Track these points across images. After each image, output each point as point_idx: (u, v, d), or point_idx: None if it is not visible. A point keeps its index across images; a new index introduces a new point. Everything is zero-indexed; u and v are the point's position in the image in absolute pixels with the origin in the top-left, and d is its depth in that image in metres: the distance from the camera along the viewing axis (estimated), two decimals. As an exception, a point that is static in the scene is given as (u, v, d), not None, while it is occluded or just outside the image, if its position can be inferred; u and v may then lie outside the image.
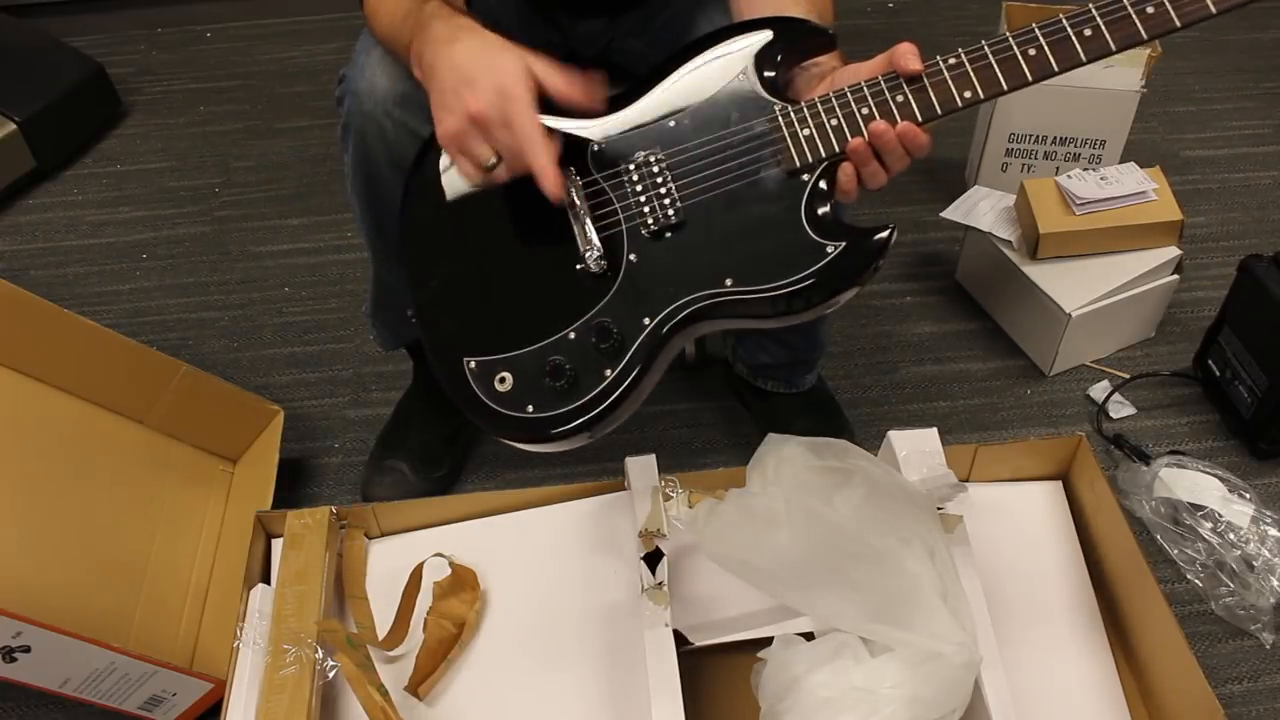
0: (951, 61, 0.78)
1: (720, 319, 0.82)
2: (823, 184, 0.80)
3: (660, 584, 0.94)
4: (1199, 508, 1.23)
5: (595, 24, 1.14)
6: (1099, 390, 1.44)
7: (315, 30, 2.29)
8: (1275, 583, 1.18)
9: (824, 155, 0.80)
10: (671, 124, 0.84)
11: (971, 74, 0.77)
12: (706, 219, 0.82)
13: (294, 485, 1.35)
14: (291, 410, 1.37)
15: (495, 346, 0.84)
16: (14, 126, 1.81)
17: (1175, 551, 1.23)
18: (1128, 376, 1.46)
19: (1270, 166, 1.85)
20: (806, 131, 0.80)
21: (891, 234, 0.79)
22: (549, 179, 0.78)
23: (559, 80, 0.80)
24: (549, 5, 1.13)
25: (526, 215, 0.85)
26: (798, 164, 0.80)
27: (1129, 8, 0.75)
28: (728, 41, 0.86)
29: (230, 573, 1.16)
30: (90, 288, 1.68)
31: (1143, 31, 0.75)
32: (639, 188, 0.83)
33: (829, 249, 0.78)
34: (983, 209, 1.52)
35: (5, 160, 1.82)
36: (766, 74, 0.83)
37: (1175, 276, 1.46)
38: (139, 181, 1.90)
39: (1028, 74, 0.76)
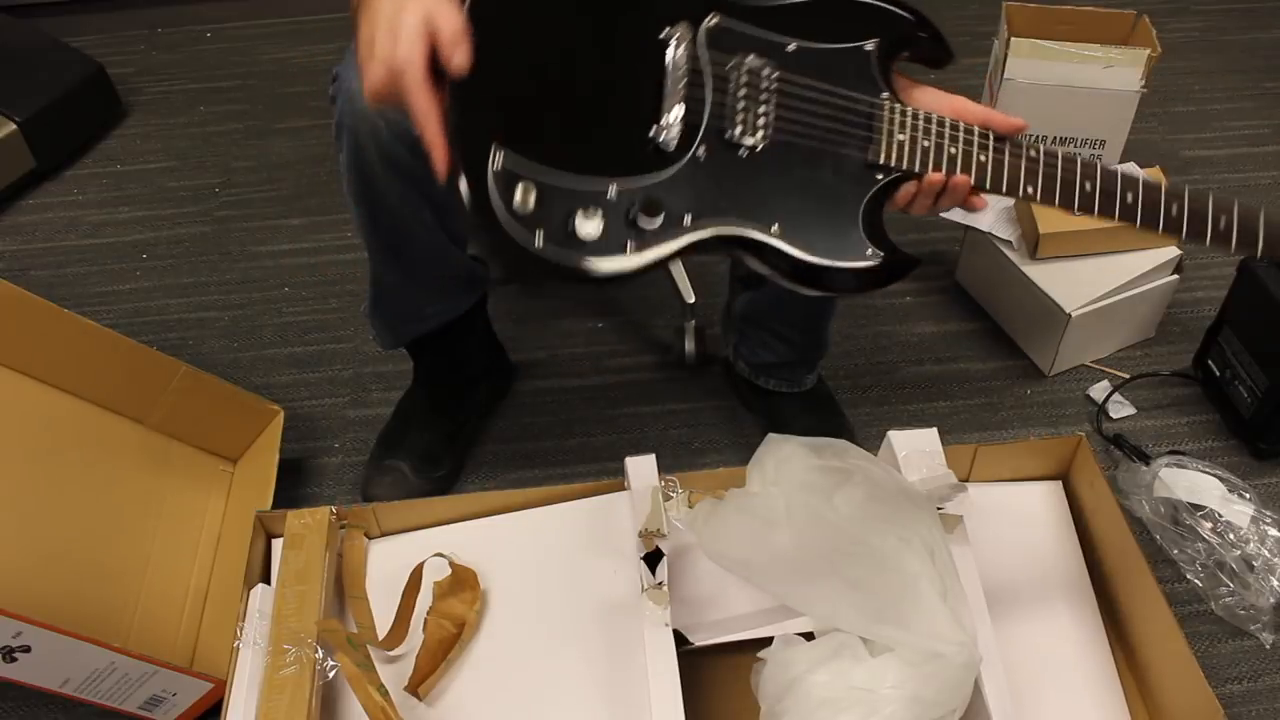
0: (1031, 154, 0.83)
1: (748, 254, 0.81)
2: (888, 189, 0.83)
3: (660, 584, 0.94)
4: (1199, 508, 1.23)
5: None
6: (1099, 390, 1.44)
7: (315, 30, 2.29)
8: (1275, 583, 1.18)
9: (905, 167, 0.82)
10: (792, 47, 0.83)
11: (1040, 174, 0.83)
12: (784, 160, 0.81)
13: (294, 485, 1.35)
14: (291, 410, 1.37)
15: (535, 150, 0.74)
16: (14, 126, 1.81)
17: (1175, 551, 1.23)
18: (1128, 376, 1.46)
19: (1270, 166, 1.84)
20: (901, 137, 0.82)
21: (917, 264, 0.83)
22: (439, 157, 0.72)
23: (451, 34, 0.72)
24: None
25: (622, 47, 0.80)
26: (880, 160, 0.82)
27: (1161, 203, 0.84)
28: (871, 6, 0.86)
29: (230, 573, 1.16)
30: (90, 288, 1.68)
31: (1185, 229, 0.84)
32: (740, 94, 0.80)
33: (869, 253, 0.81)
34: (983, 209, 1.52)
35: (5, 160, 1.82)
36: (886, 56, 0.85)
37: (1175, 276, 1.46)
38: (139, 181, 1.90)
39: (1076, 205, 0.84)
